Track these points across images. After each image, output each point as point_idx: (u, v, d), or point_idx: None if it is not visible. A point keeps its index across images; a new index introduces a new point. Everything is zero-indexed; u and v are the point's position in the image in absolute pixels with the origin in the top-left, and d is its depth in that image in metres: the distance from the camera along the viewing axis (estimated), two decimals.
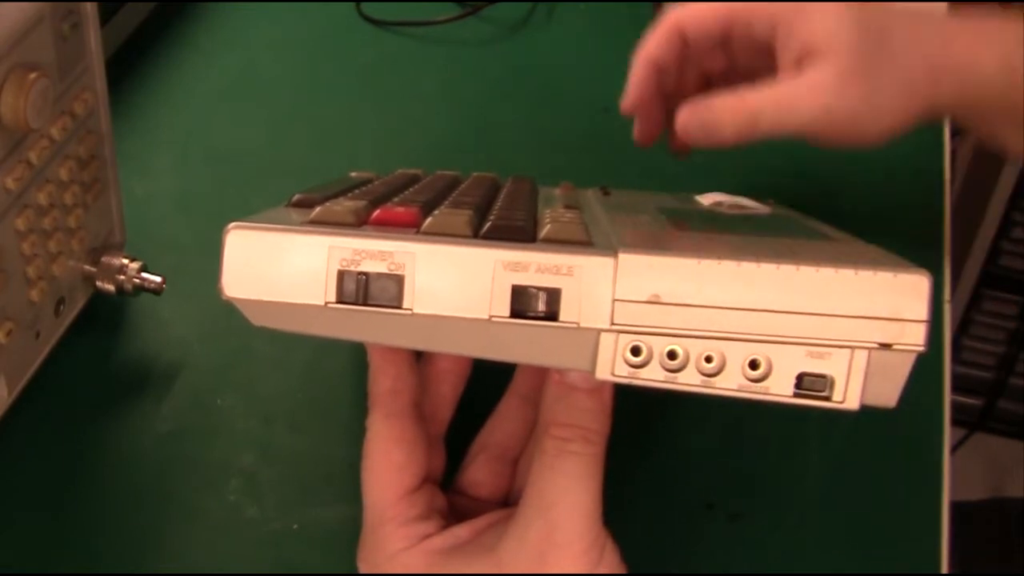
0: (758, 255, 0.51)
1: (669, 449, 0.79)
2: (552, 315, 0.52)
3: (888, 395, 0.52)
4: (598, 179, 0.89)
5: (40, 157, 0.70)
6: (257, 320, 0.55)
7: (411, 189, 0.70)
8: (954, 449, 0.79)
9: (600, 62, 1.10)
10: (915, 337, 0.50)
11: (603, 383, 0.59)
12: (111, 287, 0.80)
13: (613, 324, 0.51)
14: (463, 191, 0.70)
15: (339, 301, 0.53)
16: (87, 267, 0.79)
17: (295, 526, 0.75)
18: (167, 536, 0.74)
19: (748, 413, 0.79)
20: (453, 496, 0.70)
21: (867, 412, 0.76)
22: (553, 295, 0.51)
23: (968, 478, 1.94)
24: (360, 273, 0.53)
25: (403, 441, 0.65)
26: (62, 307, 0.78)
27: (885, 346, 0.50)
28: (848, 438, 0.80)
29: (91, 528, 0.74)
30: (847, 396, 0.51)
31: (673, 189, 0.85)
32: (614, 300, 0.51)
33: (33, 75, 0.66)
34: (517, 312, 0.52)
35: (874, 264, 0.51)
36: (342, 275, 0.53)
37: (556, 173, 0.94)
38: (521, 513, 0.60)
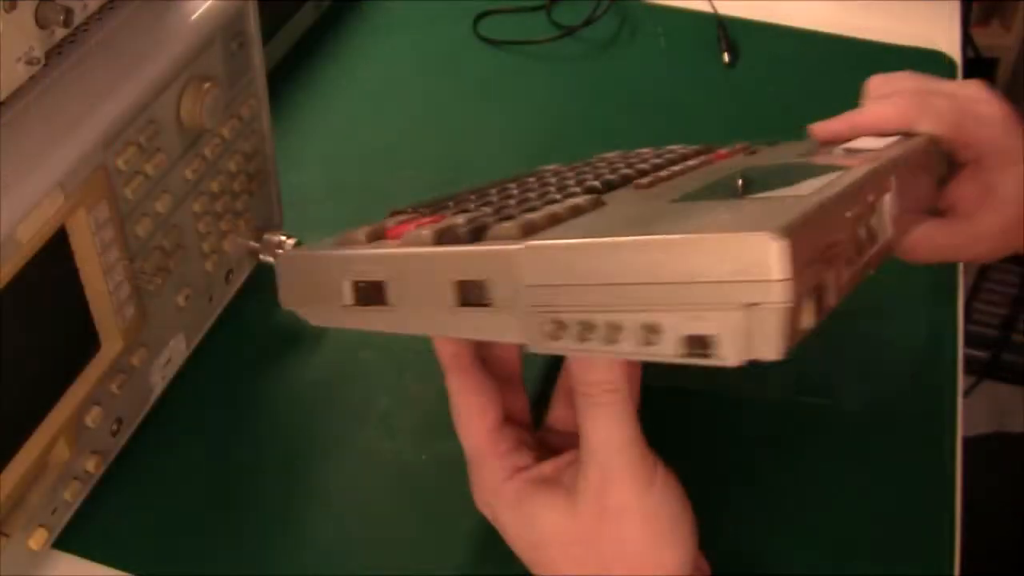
0: (629, 229, 0.47)
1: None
2: (488, 303, 0.50)
3: (770, 349, 0.46)
4: None
5: (213, 152, 0.70)
6: (313, 321, 0.59)
7: (463, 199, 0.68)
8: (966, 393, 0.79)
9: (673, 74, 1.09)
10: (779, 295, 0.44)
11: None
12: (271, 259, 0.80)
13: (531, 306, 0.49)
14: (495, 195, 0.68)
15: (355, 304, 0.56)
16: (252, 243, 0.79)
17: (424, 457, 0.75)
18: (319, 465, 0.74)
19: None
20: (544, 433, 0.68)
21: (896, 364, 0.73)
22: (485, 286, 0.50)
23: (977, 416, 1.93)
24: (359, 282, 0.55)
25: (476, 390, 0.63)
26: (231, 276, 0.78)
27: (753, 305, 0.46)
28: (879, 386, 0.79)
29: (255, 458, 0.74)
30: (729, 353, 0.47)
31: None
32: (526, 286, 0.48)
33: (207, 85, 0.66)
34: (464, 302, 0.51)
35: (722, 227, 0.45)
36: (353, 284, 0.56)
37: None
38: (580, 460, 0.57)
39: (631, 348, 0.47)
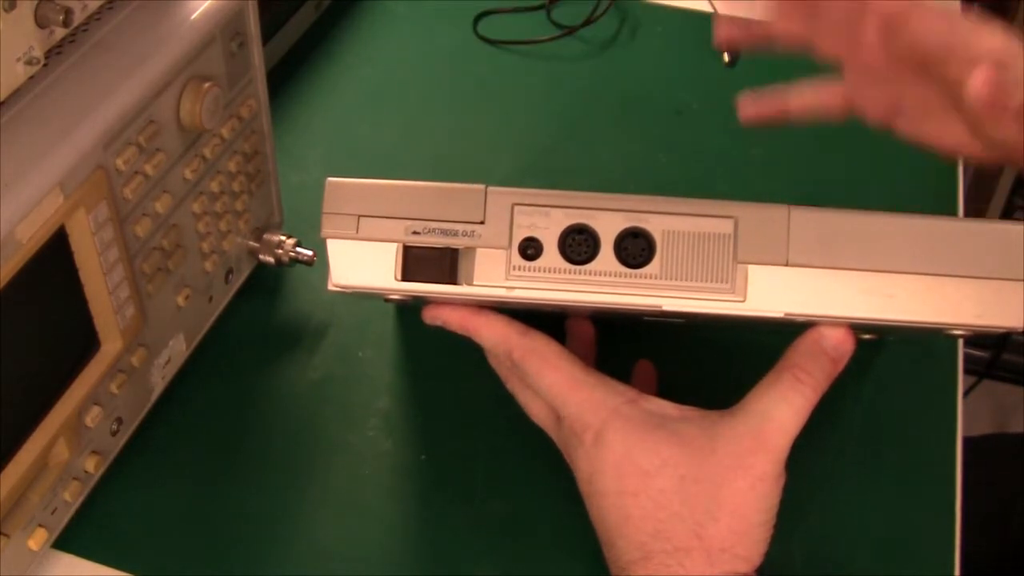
0: None
1: None
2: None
3: None
4: (669, 167, 0.93)
5: (213, 152, 0.70)
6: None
7: None
8: (966, 393, 0.80)
9: (673, 74, 1.08)
10: None
11: (844, 356, 0.62)
12: (271, 259, 0.80)
13: None
14: None
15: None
16: (251, 243, 0.79)
17: (423, 457, 0.75)
18: (317, 465, 0.74)
19: None
20: None
21: (896, 364, 0.74)
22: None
23: (977, 416, 1.92)
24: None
25: (549, 339, 0.64)
26: (231, 276, 0.78)
27: None
28: (879, 386, 0.79)
29: (255, 458, 0.74)
30: None
31: (731, 175, 0.84)
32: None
33: (207, 85, 0.66)
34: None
35: None
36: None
37: (636, 163, 0.97)
38: (737, 415, 0.61)
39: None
